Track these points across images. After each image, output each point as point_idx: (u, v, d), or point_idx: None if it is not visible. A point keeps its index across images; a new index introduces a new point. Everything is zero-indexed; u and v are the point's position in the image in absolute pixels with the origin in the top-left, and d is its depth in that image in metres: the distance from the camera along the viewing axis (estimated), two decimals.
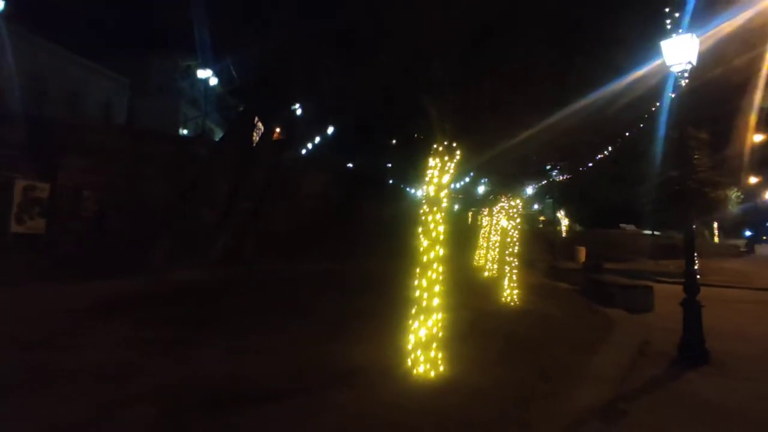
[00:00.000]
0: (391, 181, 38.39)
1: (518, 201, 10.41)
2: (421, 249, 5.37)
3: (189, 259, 13.19)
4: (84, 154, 14.39)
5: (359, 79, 9.76)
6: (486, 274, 14.70)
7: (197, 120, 31.16)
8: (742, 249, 30.75)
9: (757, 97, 20.18)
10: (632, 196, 21.53)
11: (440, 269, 5.34)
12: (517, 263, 9.79)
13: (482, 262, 16.82)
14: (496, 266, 14.34)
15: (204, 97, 30.82)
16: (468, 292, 11.21)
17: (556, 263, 17.19)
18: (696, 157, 16.04)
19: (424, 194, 5.50)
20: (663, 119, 15.48)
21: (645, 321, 8.59)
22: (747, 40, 12.19)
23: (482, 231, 18.47)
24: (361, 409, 4.15)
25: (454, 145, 5.92)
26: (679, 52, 6.34)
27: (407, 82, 5.93)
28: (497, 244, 14.77)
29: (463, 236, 21.80)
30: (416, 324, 5.33)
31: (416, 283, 5.39)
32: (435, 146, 5.54)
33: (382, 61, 6.71)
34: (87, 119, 22.73)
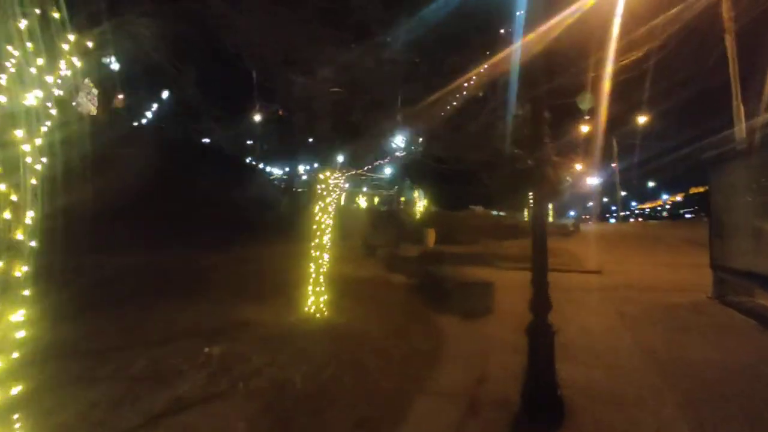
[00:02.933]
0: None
1: (337, 173, 7.65)
2: None
3: None
4: None
5: None
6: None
7: None
8: (571, 228, 33.38)
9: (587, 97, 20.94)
10: (479, 176, 20.69)
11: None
12: (327, 258, 7.11)
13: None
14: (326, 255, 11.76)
15: None
16: (271, 295, 8.28)
17: (398, 250, 15.26)
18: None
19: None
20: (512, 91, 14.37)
21: (482, 334, 6.61)
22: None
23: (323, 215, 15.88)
24: None
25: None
26: None
27: None
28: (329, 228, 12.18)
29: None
30: None
31: None
32: None
33: None
34: None
